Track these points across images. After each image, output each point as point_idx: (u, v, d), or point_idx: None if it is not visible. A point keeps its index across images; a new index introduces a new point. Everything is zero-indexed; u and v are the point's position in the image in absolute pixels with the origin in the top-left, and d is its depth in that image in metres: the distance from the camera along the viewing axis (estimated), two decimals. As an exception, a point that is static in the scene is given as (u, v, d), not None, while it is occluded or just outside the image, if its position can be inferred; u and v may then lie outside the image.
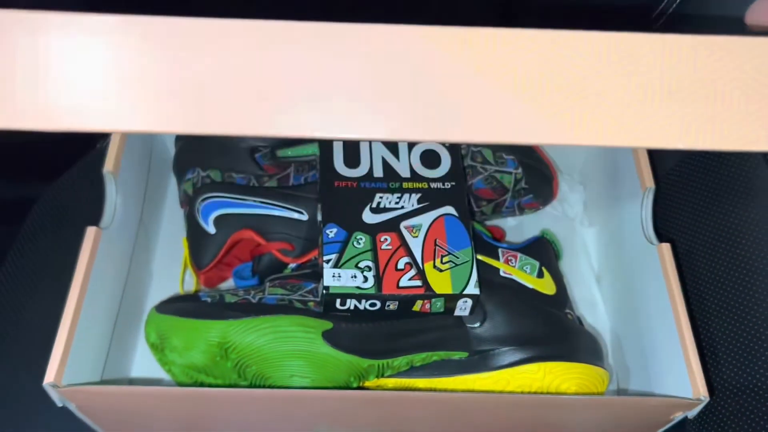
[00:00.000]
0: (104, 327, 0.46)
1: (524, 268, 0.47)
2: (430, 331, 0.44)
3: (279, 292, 0.45)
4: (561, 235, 0.56)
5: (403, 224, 0.45)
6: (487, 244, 0.48)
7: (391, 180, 0.47)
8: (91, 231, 0.44)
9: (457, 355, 0.44)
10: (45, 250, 0.57)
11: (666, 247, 0.45)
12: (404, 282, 0.43)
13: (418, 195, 0.46)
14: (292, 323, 0.42)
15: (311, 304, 0.44)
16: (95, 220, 0.46)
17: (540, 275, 0.48)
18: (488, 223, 0.58)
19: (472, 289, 0.43)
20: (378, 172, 0.47)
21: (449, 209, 0.46)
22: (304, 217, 0.50)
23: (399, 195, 0.46)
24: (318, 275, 0.46)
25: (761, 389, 0.42)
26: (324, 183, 0.47)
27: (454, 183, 0.47)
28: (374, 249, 0.44)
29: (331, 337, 0.42)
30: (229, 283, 0.54)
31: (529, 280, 0.47)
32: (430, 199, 0.46)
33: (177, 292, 0.53)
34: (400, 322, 0.44)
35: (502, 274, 0.47)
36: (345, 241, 0.44)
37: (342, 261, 0.43)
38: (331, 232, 0.44)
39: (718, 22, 0.51)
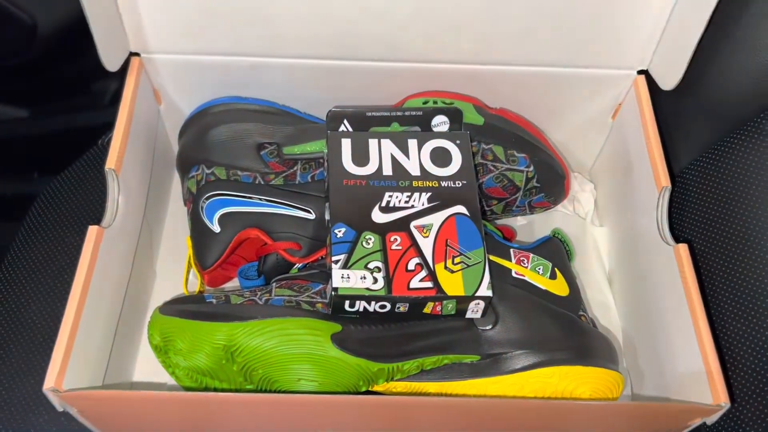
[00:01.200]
0: (106, 329, 0.45)
1: (537, 268, 0.46)
2: (441, 334, 0.43)
3: (286, 294, 0.43)
4: (572, 234, 0.55)
5: (413, 224, 0.44)
6: (498, 244, 0.47)
7: (400, 178, 0.45)
8: (92, 230, 0.43)
9: (469, 359, 0.43)
10: (46, 248, 0.56)
11: (683, 248, 0.44)
12: (415, 283, 0.42)
13: (429, 194, 0.45)
14: (299, 326, 0.41)
15: (319, 305, 0.43)
16: (97, 218, 0.45)
17: (553, 276, 0.47)
18: (498, 222, 0.57)
19: (485, 290, 0.42)
20: (387, 170, 0.46)
21: (460, 208, 0.44)
22: (312, 216, 0.49)
23: (409, 194, 0.45)
24: (326, 275, 0.45)
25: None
26: (332, 181, 0.45)
27: (465, 181, 0.46)
28: (384, 249, 0.42)
29: (339, 340, 0.41)
30: (234, 283, 0.53)
31: (541, 282, 0.46)
32: (441, 198, 0.45)
33: (181, 292, 0.52)
34: (411, 324, 0.43)
35: (514, 275, 0.46)
36: (354, 241, 0.43)
37: (351, 261, 0.42)
38: (340, 231, 0.43)
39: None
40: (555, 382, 0.43)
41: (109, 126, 0.61)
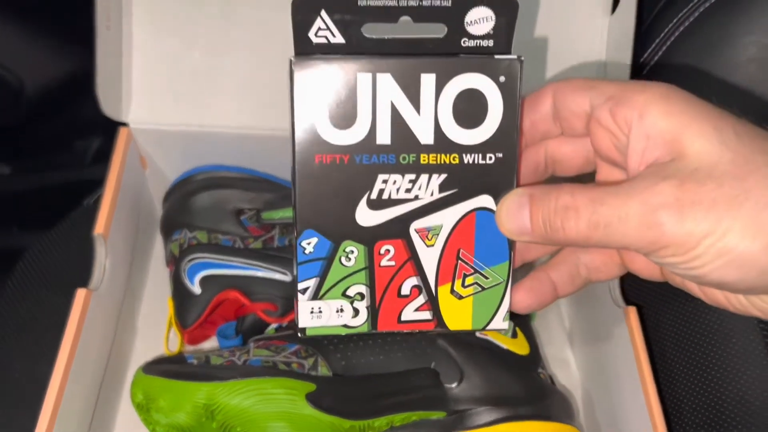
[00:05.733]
0: (91, 386, 0.47)
1: (499, 329, 0.49)
2: (410, 392, 0.46)
3: (264, 354, 0.46)
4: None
5: (414, 225, 0.31)
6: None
7: (403, 150, 0.30)
8: (81, 293, 0.45)
9: (435, 415, 0.46)
10: (31, 307, 0.57)
11: (632, 310, 0.48)
12: (408, 314, 0.32)
13: (443, 176, 0.30)
14: (276, 385, 0.43)
15: (294, 365, 0.45)
16: (82, 279, 0.47)
17: (514, 335, 0.50)
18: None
19: (500, 323, 0.33)
20: (383, 136, 0.30)
21: (486, 201, 0.31)
22: (288, 278, 0.52)
23: (413, 176, 0.30)
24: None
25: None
26: (299, 157, 0.30)
27: (501, 154, 0.30)
28: (371, 267, 0.31)
29: (314, 399, 0.44)
30: (213, 341, 0.56)
31: (503, 341, 0.49)
32: (460, 182, 0.31)
33: (161, 350, 0.54)
34: (381, 383, 0.46)
35: (478, 335, 0.49)
36: (329, 258, 0.31)
37: (324, 289, 0.31)
38: (309, 244, 0.31)
39: (698, 73, 0.53)
40: (515, 437, 0.46)
41: (91, 183, 0.63)
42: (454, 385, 0.47)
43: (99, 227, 0.48)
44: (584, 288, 0.56)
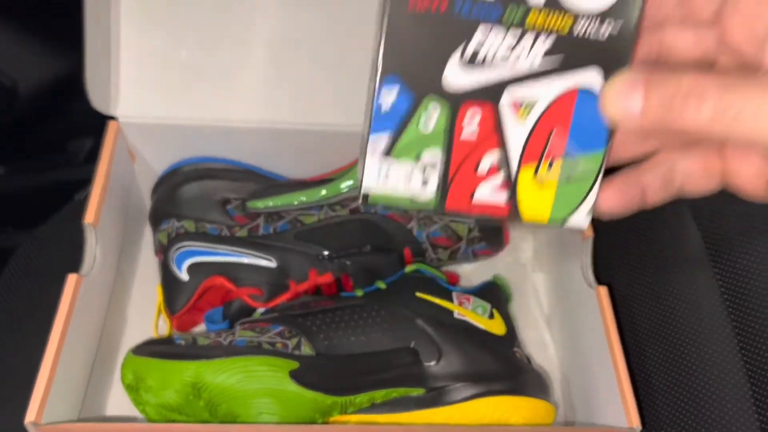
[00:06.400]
0: (82, 368, 0.48)
1: (476, 309, 0.51)
2: (390, 369, 0.48)
3: (248, 335, 0.48)
4: (513, 280, 0.61)
5: (508, 94, 0.28)
6: (441, 288, 0.52)
7: (510, 1, 0.27)
8: (72, 278, 0.47)
9: (415, 392, 0.48)
10: (25, 300, 0.59)
11: (603, 289, 0.50)
12: (482, 193, 0.29)
13: (550, 41, 0.27)
14: (260, 363, 0.45)
15: (278, 345, 0.47)
16: (74, 270, 0.48)
17: (491, 316, 0.52)
18: (444, 268, 0.62)
19: (583, 218, 0.30)
20: None
21: (593, 77, 0.28)
22: (273, 265, 0.54)
23: (516, 37, 0.27)
24: (285, 319, 0.49)
25: (689, 419, 0.46)
26: (392, 6, 0.27)
27: (621, 24, 0.27)
28: (451, 132, 0.28)
29: (297, 376, 0.45)
30: (201, 327, 0.57)
31: (481, 321, 0.51)
32: (568, 51, 0.28)
33: (151, 335, 0.56)
34: (363, 360, 0.48)
35: (456, 316, 0.51)
36: (409, 112, 0.28)
37: (398, 147, 0.28)
38: (391, 93, 0.28)
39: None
40: (491, 411, 0.47)
41: (84, 182, 0.65)
42: (432, 363, 0.48)
43: (89, 217, 0.50)
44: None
